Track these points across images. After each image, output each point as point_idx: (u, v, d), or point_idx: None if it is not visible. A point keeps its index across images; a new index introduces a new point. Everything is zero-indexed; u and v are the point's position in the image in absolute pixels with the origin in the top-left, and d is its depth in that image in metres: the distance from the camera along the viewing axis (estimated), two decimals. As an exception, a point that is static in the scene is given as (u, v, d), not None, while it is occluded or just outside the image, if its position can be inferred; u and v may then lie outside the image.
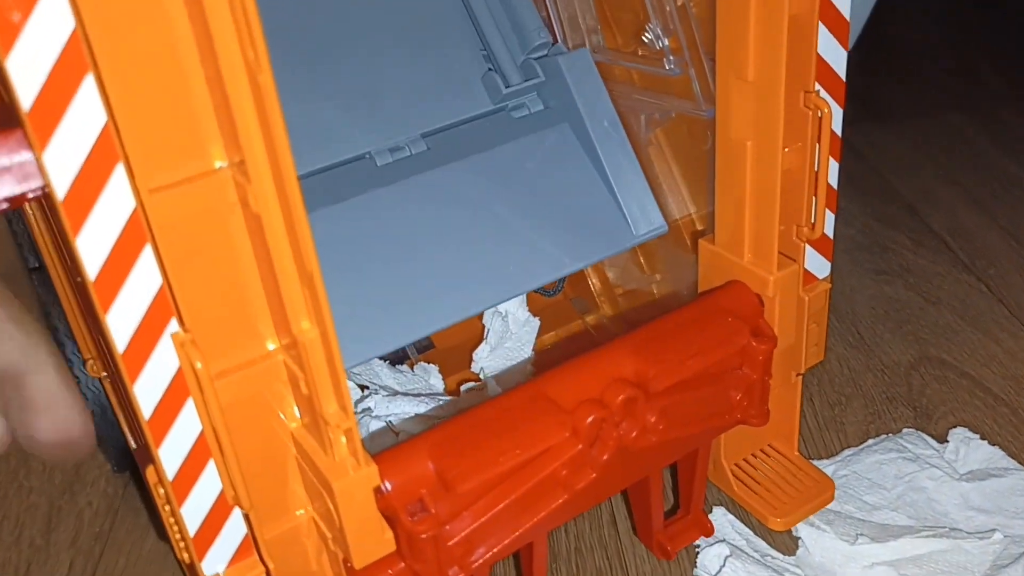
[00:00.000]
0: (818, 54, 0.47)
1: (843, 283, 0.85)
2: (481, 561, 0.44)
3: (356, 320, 0.51)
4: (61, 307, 0.58)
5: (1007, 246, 0.89)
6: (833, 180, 0.51)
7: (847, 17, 0.47)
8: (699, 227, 0.58)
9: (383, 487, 0.40)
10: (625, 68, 0.56)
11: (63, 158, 0.31)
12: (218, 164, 0.35)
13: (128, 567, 0.62)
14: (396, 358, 0.65)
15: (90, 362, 0.59)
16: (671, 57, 0.51)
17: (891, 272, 0.87)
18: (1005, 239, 0.90)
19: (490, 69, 0.55)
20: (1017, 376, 0.73)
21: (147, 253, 0.34)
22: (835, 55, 0.48)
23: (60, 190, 0.31)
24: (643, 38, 0.52)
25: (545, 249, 0.54)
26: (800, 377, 0.57)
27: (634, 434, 0.45)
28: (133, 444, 0.55)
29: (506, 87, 0.54)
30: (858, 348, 0.78)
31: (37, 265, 0.65)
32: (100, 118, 0.31)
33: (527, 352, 0.61)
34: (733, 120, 0.47)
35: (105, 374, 0.58)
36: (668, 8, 0.51)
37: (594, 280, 0.70)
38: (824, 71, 0.48)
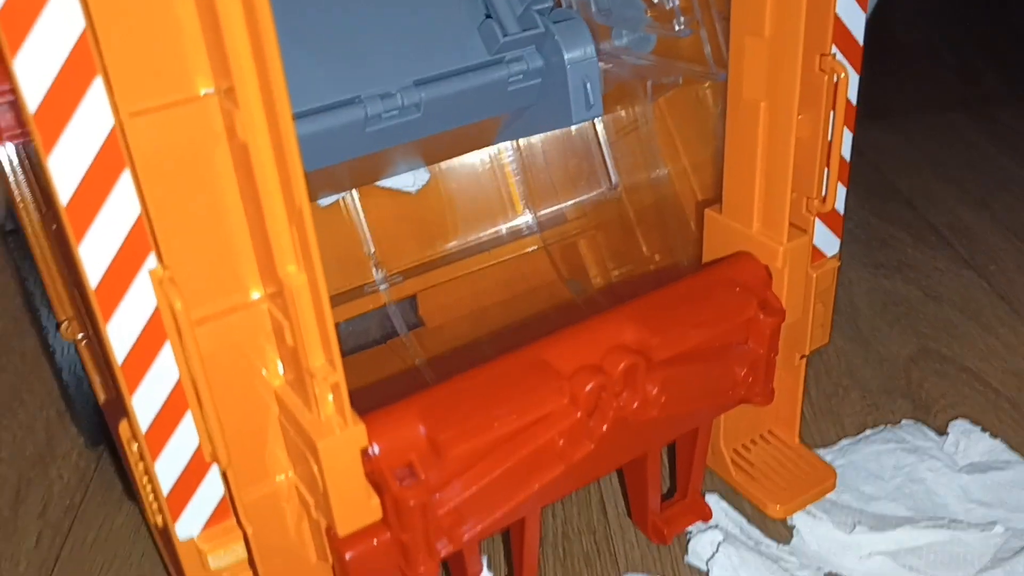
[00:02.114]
0: (836, 14, 0.45)
1: (842, 276, 0.83)
2: (471, 534, 0.41)
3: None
4: (37, 272, 0.56)
5: (1007, 242, 0.87)
6: (846, 152, 0.50)
7: (867, -22, 0.46)
8: (701, 199, 0.56)
9: (370, 450, 0.38)
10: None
11: (36, 65, 0.28)
12: (204, 91, 0.32)
13: (98, 541, 0.59)
14: (384, 335, 0.63)
15: (64, 324, 0.56)
16: (681, 17, 0.49)
17: (890, 266, 0.85)
18: (1005, 235, 0.88)
19: (488, 17, 0.53)
20: (1018, 370, 0.71)
21: (125, 179, 0.31)
22: (853, 16, 0.46)
23: (32, 101, 0.28)
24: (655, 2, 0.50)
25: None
26: (804, 360, 0.55)
27: (635, 405, 0.43)
28: (103, 397, 0.52)
29: (504, 36, 0.52)
30: (856, 341, 0.76)
31: (12, 228, 0.62)
32: (78, 24, 0.29)
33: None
34: (746, 80, 0.45)
35: (80, 335, 0.55)
36: (679, -33, 0.49)
37: (590, 262, 0.68)
38: (842, 33, 0.46)
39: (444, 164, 0.65)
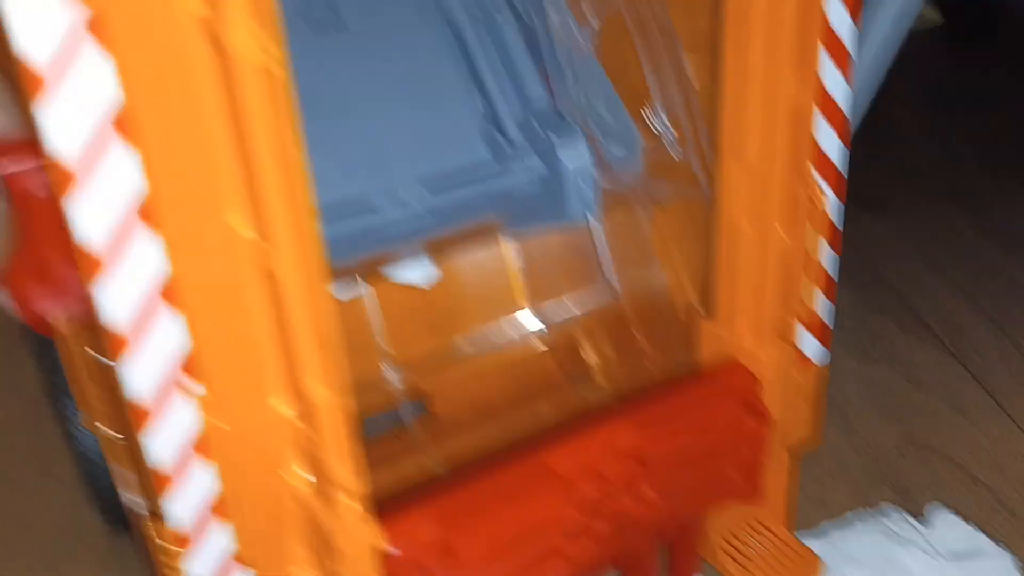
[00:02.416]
0: (816, 142, 0.49)
1: (831, 366, 0.87)
2: (480, 629, 0.44)
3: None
4: (59, 360, 0.59)
5: (992, 335, 0.91)
6: (829, 267, 0.53)
7: (845, 110, 0.50)
8: (697, 307, 0.60)
9: (389, 550, 0.41)
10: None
11: (95, 211, 0.32)
12: (238, 230, 0.36)
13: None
14: (393, 424, 0.66)
15: (86, 415, 0.59)
16: (675, 140, 0.53)
17: (878, 357, 0.88)
18: (990, 328, 0.92)
19: (487, 116, 0.58)
20: (1000, 463, 0.74)
21: (173, 314, 0.35)
22: (832, 145, 0.50)
23: (88, 244, 0.32)
24: (649, 125, 0.55)
25: None
26: (796, 460, 0.58)
27: (632, 507, 0.46)
28: (136, 500, 0.55)
29: (509, 146, 0.56)
30: (844, 429, 0.79)
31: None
32: (137, 181, 0.32)
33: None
34: (730, 203, 0.49)
35: (103, 428, 0.58)
36: (673, 96, 0.53)
37: (592, 358, 0.72)
38: (822, 160, 0.50)
39: (454, 261, 0.69)
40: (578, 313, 0.70)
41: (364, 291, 0.65)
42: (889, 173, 1.24)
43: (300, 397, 0.38)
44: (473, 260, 0.70)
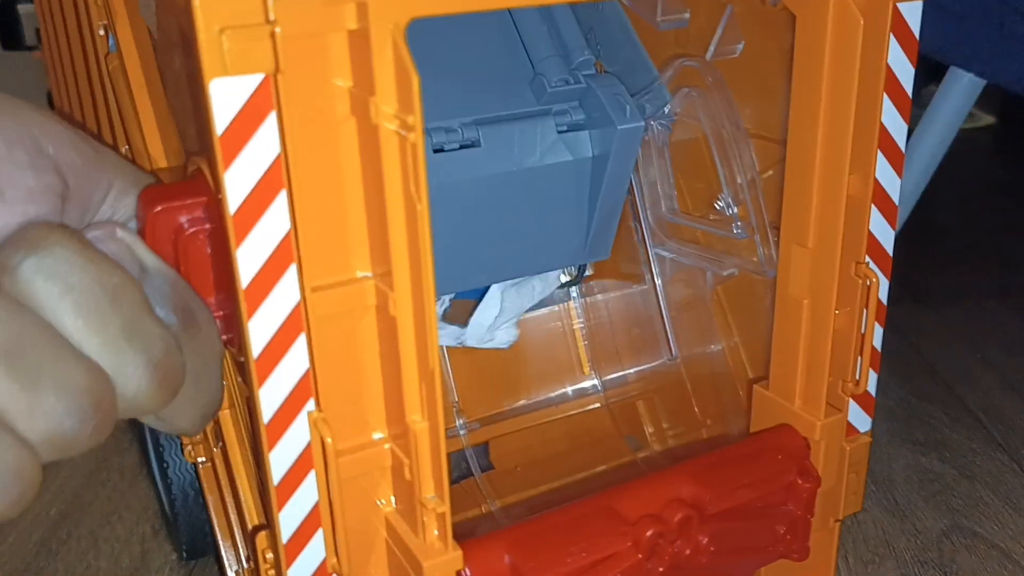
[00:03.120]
0: (869, 231, 0.54)
1: (881, 451, 0.90)
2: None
3: None
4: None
5: (1040, 430, 0.93)
6: (877, 343, 0.57)
7: (896, 201, 0.55)
8: (751, 375, 0.64)
9: (464, 572, 0.45)
10: (694, 229, 0.64)
11: (252, 253, 0.38)
12: (360, 274, 0.42)
13: (195, 646, 0.66)
14: (459, 475, 0.71)
15: (189, 448, 0.65)
16: (739, 223, 0.59)
17: (927, 444, 0.91)
18: (1038, 422, 0.94)
19: (537, 74, 0.63)
20: (1046, 552, 0.76)
21: (301, 340, 0.40)
22: (884, 232, 0.55)
23: (244, 279, 0.38)
24: (715, 205, 0.60)
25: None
26: (838, 524, 0.61)
27: (687, 552, 0.50)
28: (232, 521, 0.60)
29: (550, 87, 0.62)
30: (893, 512, 0.81)
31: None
32: (285, 226, 0.38)
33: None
34: (792, 281, 0.54)
35: (203, 459, 0.64)
36: (739, 181, 0.59)
37: (647, 421, 0.76)
38: (874, 246, 0.55)
39: (523, 327, 0.74)
40: (637, 378, 0.75)
41: (442, 353, 0.70)
42: (940, 267, 1.27)
43: (400, 424, 0.43)
44: (540, 322, 0.75)
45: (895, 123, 0.53)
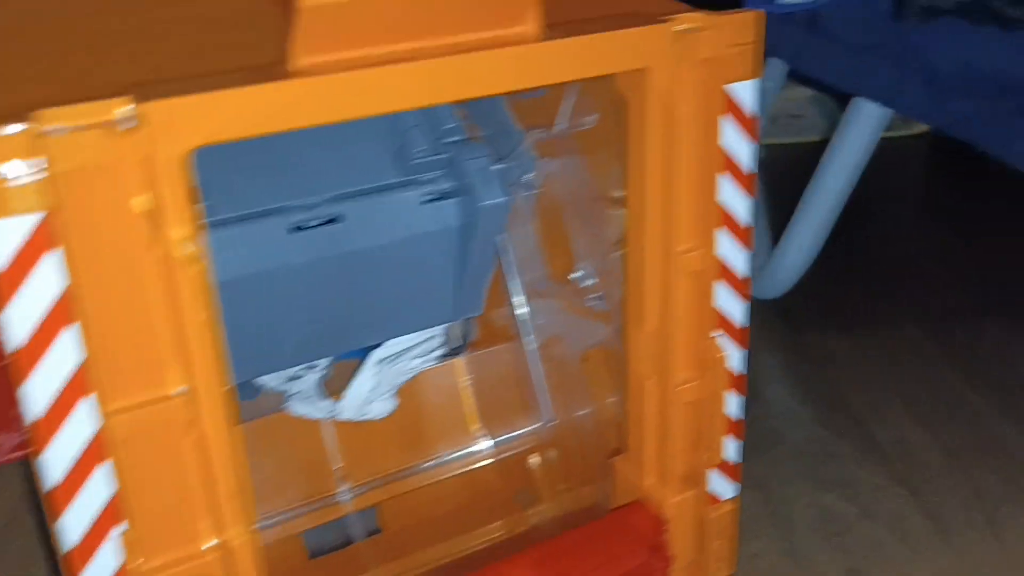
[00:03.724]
0: (716, 306, 0.54)
1: (784, 490, 0.90)
2: None
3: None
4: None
5: (946, 464, 0.93)
6: (734, 411, 0.58)
7: (744, 274, 0.55)
8: (616, 445, 0.64)
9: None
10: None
11: (40, 387, 0.37)
12: (175, 391, 0.42)
13: None
14: (340, 541, 0.70)
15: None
16: (596, 295, 0.59)
17: (831, 482, 0.91)
18: (945, 458, 0.94)
19: (402, 145, 0.63)
20: (936, 595, 0.76)
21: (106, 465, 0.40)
22: (732, 305, 0.55)
23: (32, 412, 0.38)
24: (574, 275, 0.60)
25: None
26: (709, 589, 0.62)
27: (533, 643, 0.50)
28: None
29: (413, 159, 0.61)
30: (789, 556, 0.82)
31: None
32: (77, 357, 0.38)
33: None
34: (636, 360, 0.54)
35: None
36: (596, 252, 0.59)
37: (539, 477, 0.76)
38: (723, 320, 0.55)
39: (411, 385, 0.74)
40: (525, 435, 0.75)
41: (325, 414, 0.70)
42: (860, 290, 1.28)
43: (220, 533, 0.43)
44: (429, 379, 0.75)
45: (735, 199, 0.53)
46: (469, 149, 0.63)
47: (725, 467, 0.58)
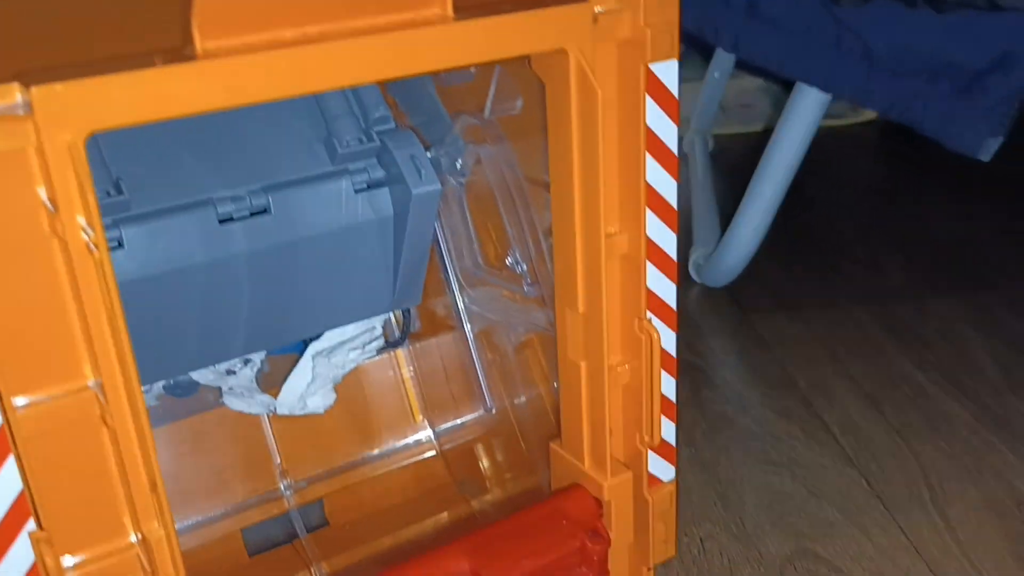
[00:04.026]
0: (648, 287, 0.54)
1: (734, 472, 0.90)
2: None
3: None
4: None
5: (892, 443, 0.94)
6: (669, 393, 0.57)
7: (674, 256, 0.55)
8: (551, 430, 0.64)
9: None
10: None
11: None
12: (90, 383, 0.41)
13: None
14: (285, 536, 0.69)
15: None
16: (528, 280, 0.58)
17: (780, 463, 0.92)
18: (891, 436, 0.95)
19: (330, 134, 0.61)
20: (883, 571, 0.77)
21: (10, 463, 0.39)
22: (663, 287, 0.55)
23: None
24: (506, 260, 0.60)
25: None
26: (652, 571, 0.62)
27: (468, 629, 0.49)
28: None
29: (341, 148, 0.60)
30: (739, 539, 0.82)
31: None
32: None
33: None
34: (568, 344, 0.53)
35: None
36: (527, 237, 0.58)
37: (484, 465, 0.75)
38: (654, 301, 0.55)
39: (352, 377, 0.73)
40: (468, 424, 0.74)
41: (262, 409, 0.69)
42: (810, 274, 1.29)
43: (139, 532, 0.42)
44: (370, 371, 0.74)
45: (662, 181, 0.52)
46: (399, 137, 0.62)
47: (663, 449, 0.58)
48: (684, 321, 1.20)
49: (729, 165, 1.61)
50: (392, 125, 0.63)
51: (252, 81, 0.39)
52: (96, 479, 0.41)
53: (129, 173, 0.57)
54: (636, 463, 0.57)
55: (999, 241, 1.37)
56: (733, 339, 1.16)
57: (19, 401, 0.39)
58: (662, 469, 0.59)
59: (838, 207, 1.51)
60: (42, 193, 0.37)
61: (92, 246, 0.36)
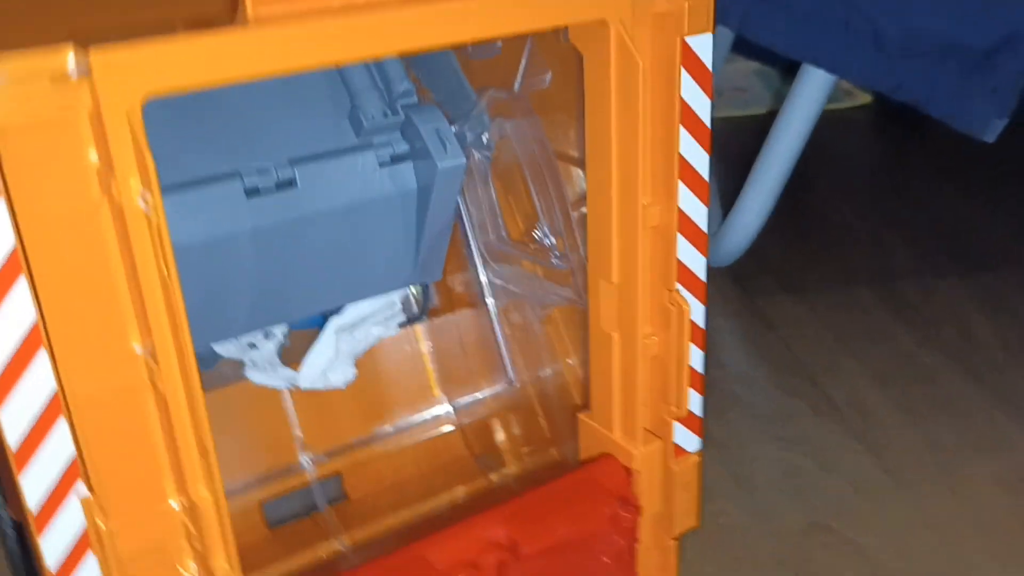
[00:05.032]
0: (678, 259, 0.54)
1: (745, 450, 0.91)
2: None
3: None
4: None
5: (900, 420, 0.95)
6: (697, 365, 0.58)
7: (704, 229, 0.55)
8: (579, 401, 0.64)
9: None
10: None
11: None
12: (138, 350, 0.41)
13: None
14: (304, 509, 0.70)
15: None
16: (557, 253, 0.59)
17: (790, 440, 0.93)
18: (899, 413, 0.96)
19: (355, 107, 0.62)
20: (897, 544, 0.78)
21: (62, 425, 0.39)
22: (694, 259, 0.55)
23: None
24: (533, 234, 0.60)
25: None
26: (676, 541, 0.62)
27: (505, 595, 0.50)
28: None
29: (367, 121, 0.61)
30: (753, 514, 0.83)
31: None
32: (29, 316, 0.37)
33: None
34: (602, 314, 0.54)
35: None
36: (556, 210, 0.59)
37: (501, 440, 0.76)
38: (684, 273, 0.55)
39: (370, 352, 0.73)
40: (487, 399, 0.75)
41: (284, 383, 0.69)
42: (813, 256, 1.30)
43: (185, 498, 0.42)
44: (388, 346, 0.74)
45: (695, 153, 0.53)
46: (423, 111, 0.62)
47: (689, 420, 0.59)
48: (689, 301, 1.21)
49: (725, 148, 1.62)
50: (415, 99, 0.63)
51: (304, 48, 0.39)
52: (146, 444, 0.42)
53: (157, 145, 0.57)
54: (663, 433, 0.57)
55: (996, 221, 1.38)
56: (738, 319, 1.17)
57: (72, 365, 0.39)
58: (688, 440, 0.59)
59: (838, 189, 1.52)
60: (94, 158, 0.37)
61: (150, 212, 0.36)
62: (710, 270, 1.16)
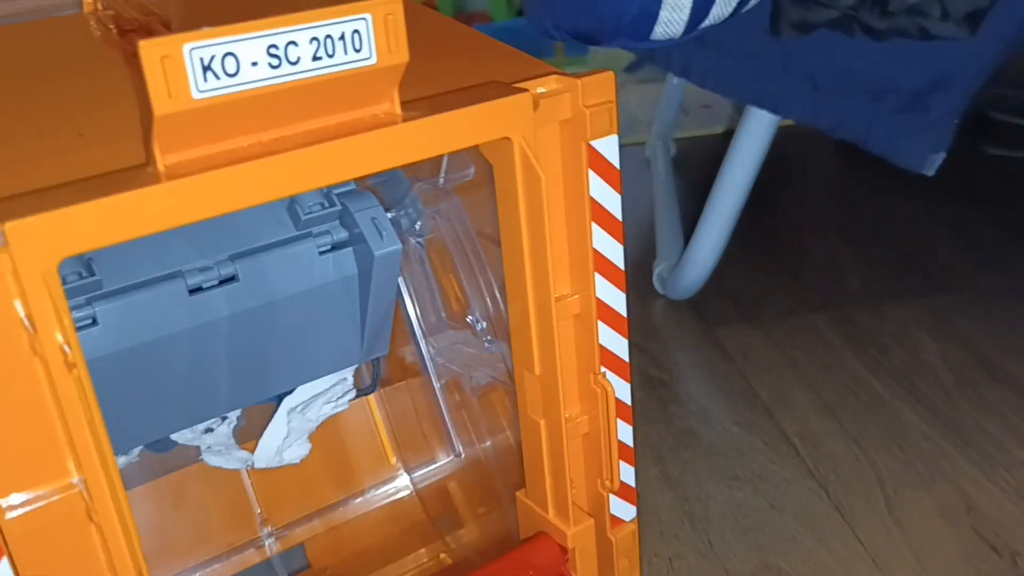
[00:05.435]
0: (600, 344, 0.57)
1: (700, 489, 0.94)
2: None
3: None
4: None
5: (849, 452, 0.98)
6: (626, 439, 0.61)
7: (624, 315, 0.58)
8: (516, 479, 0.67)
9: None
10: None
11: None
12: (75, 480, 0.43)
13: None
14: (268, 583, 0.72)
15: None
16: (488, 337, 0.61)
17: (744, 478, 0.95)
18: (848, 445, 0.99)
19: (292, 201, 0.64)
20: (842, 583, 0.81)
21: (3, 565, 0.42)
22: (615, 342, 0.58)
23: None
24: (467, 318, 0.63)
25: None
26: (619, 604, 0.65)
27: None
28: None
29: (304, 214, 0.63)
30: (706, 556, 0.85)
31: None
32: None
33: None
34: (528, 402, 0.57)
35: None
36: (485, 296, 0.61)
37: (459, 502, 0.78)
38: (608, 356, 0.58)
39: (323, 426, 0.76)
40: (440, 466, 0.77)
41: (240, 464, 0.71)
42: (770, 282, 1.32)
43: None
44: (344, 421, 0.77)
45: (608, 246, 0.56)
46: (359, 199, 0.65)
47: (624, 491, 0.61)
48: (650, 335, 1.24)
49: (692, 169, 1.65)
50: (352, 187, 0.65)
51: (215, 197, 0.41)
52: (85, 573, 0.44)
53: (100, 253, 0.59)
54: (598, 507, 0.60)
55: (954, 242, 1.41)
56: (697, 352, 1.19)
57: (11, 501, 0.41)
58: (623, 510, 0.62)
59: (798, 211, 1.54)
60: (21, 312, 0.40)
61: (70, 364, 0.38)
62: (670, 302, 1.17)
